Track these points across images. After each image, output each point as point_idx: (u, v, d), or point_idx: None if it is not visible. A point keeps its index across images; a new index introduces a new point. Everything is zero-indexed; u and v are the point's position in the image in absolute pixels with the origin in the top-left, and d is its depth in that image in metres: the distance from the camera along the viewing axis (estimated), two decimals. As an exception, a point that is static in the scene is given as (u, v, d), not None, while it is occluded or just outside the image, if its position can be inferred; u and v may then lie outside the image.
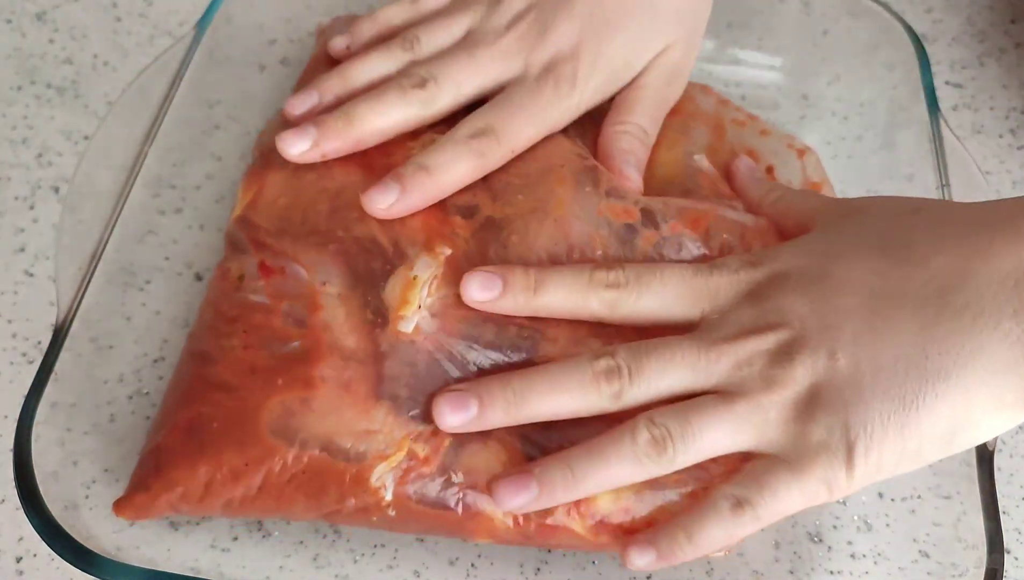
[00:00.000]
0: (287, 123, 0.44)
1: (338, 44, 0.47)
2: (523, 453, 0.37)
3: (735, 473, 0.36)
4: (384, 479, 0.36)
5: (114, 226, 0.42)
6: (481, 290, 0.37)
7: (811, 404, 0.34)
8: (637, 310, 0.37)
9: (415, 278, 0.38)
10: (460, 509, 0.36)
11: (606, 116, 0.45)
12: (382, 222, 0.40)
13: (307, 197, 0.41)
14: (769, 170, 0.46)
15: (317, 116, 0.42)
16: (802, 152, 0.47)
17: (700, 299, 0.37)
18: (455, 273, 0.38)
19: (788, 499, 0.34)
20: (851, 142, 0.52)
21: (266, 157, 0.43)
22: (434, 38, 0.44)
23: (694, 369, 0.35)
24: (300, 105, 0.44)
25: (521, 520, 0.36)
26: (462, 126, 0.41)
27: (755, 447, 0.35)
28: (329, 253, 0.39)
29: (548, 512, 0.36)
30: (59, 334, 0.39)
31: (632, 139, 0.44)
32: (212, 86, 0.50)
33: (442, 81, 0.42)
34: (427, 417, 0.36)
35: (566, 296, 0.37)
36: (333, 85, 0.44)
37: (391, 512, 0.36)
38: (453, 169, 0.40)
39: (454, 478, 0.36)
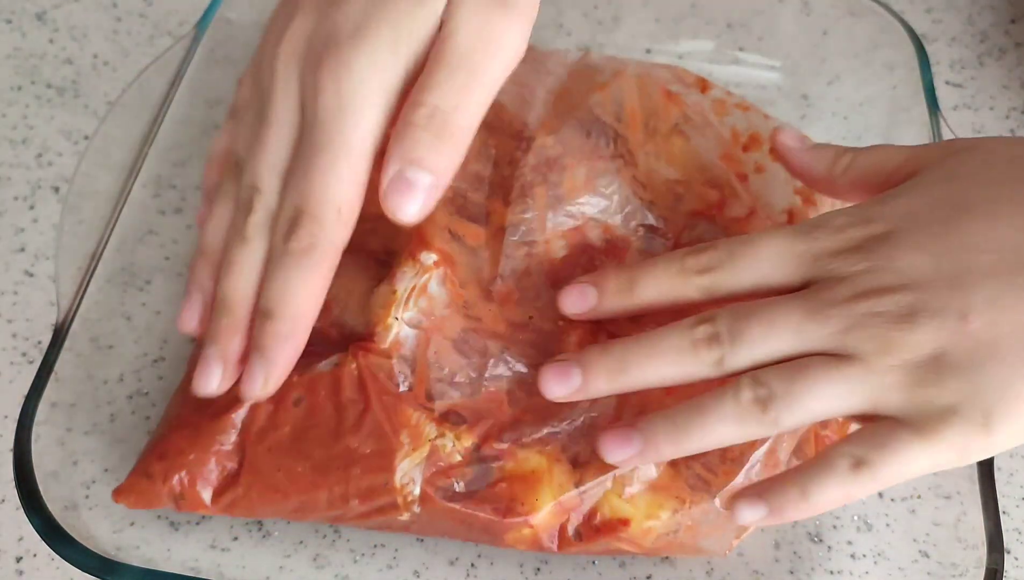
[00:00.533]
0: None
1: (187, 322, 0.37)
2: (567, 458, 0.37)
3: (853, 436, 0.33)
4: (412, 474, 0.36)
5: (114, 226, 0.42)
6: (576, 304, 0.38)
7: (937, 368, 0.32)
8: (736, 287, 0.35)
9: (394, 293, 0.38)
10: (490, 510, 0.36)
11: None
12: (388, 233, 0.40)
13: None
14: (772, 151, 0.46)
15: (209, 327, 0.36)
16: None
17: (802, 264, 0.34)
18: (450, 280, 0.38)
19: (913, 463, 0.32)
20: (851, 142, 0.51)
21: None
22: (241, 144, 0.37)
23: (799, 332, 0.33)
24: (190, 319, 0.37)
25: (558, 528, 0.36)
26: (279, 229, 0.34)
27: (871, 411, 0.33)
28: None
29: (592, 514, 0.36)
30: (59, 334, 0.39)
31: (421, 135, 0.33)
32: (212, 86, 0.50)
33: (260, 184, 0.35)
34: (454, 415, 0.37)
35: (661, 289, 0.36)
36: (203, 272, 0.37)
37: (416, 509, 0.36)
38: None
39: (484, 479, 0.36)
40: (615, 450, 0.35)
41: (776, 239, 0.35)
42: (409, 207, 0.33)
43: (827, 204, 0.44)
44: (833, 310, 0.33)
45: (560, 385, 0.35)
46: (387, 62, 0.33)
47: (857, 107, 0.53)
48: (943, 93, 0.56)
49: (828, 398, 0.33)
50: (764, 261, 0.35)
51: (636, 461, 0.35)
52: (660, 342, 0.35)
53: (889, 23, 0.51)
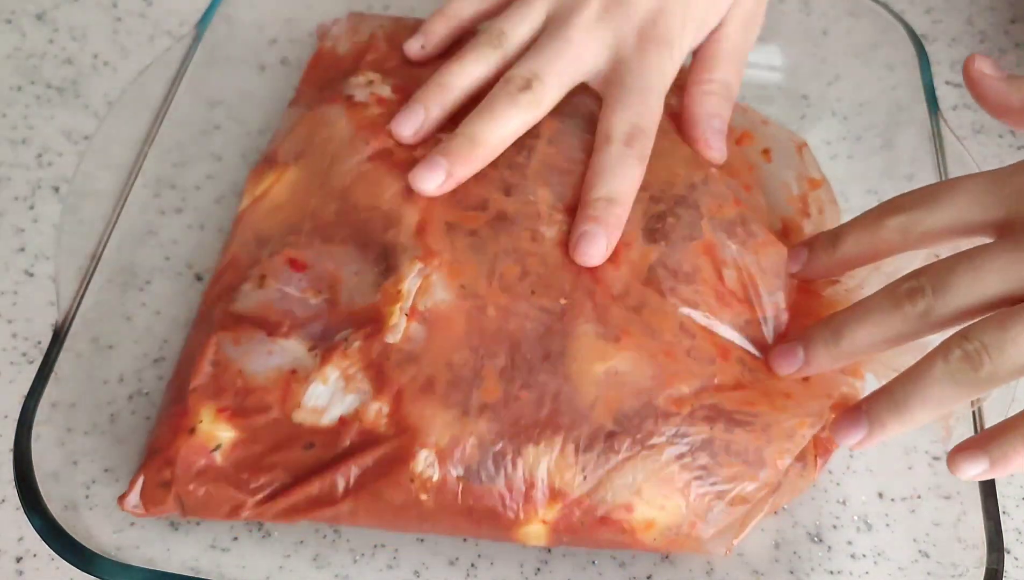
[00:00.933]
0: (362, 132, 0.43)
1: (413, 46, 0.46)
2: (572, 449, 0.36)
3: None
4: (432, 462, 0.36)
5: (114, 226, 0.42)
6: (791, 264, 0.40)
7: None
8: (934, 225, 0.36)
9: (399, 291, 0.38)
10: (501, 501, 0.36)
11: (688, 75, 0.45)
12: (387, 225, 0.40)
13: (315, 201, 0.41)
14: (765, 152, 0.46)
15: (438, 144, 0.41)
16: (800, 146, 0.46)
17: (1002, 199, 0.34)
18: (444, 278, 0.38)
19: None
20: (851, 142, 0.52)
21: (272, 157, 0.44)
22: (518, 30, 0.43)
23: (1006, 273, 0.32)
24: (408, 124, 0.42)
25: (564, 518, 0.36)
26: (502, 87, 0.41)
27: None
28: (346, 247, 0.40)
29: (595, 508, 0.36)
30: (59, 334, 0.39)
31: (718, 100, 0.44)
32: (212, 86, 0.50)
33: (545, 77, 0.41)
34: (464, 401, 0.37)
35: (860, 238, 0.38)
36: (434, 96, 0.42)
37: (432, 495, 0.36)
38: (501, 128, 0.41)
39: (496, 470, 0.36)
40: (847, 436, 0.36)
41: (975, 178, 0.35)
42: (712, 152, 0.44)
43: (815, 219, 0.44)
44: None
45: (788, 364, 0.38)
46: (689, 45, 0.45)
47: (857, 107, 0.53)
48: (943, 93, 0.56)
49: None
50: (962, 198, 0.35)
51: (868, 443, 0.35)
52: (867, 305, 0.36)
53: (889, 23, 0.51)
